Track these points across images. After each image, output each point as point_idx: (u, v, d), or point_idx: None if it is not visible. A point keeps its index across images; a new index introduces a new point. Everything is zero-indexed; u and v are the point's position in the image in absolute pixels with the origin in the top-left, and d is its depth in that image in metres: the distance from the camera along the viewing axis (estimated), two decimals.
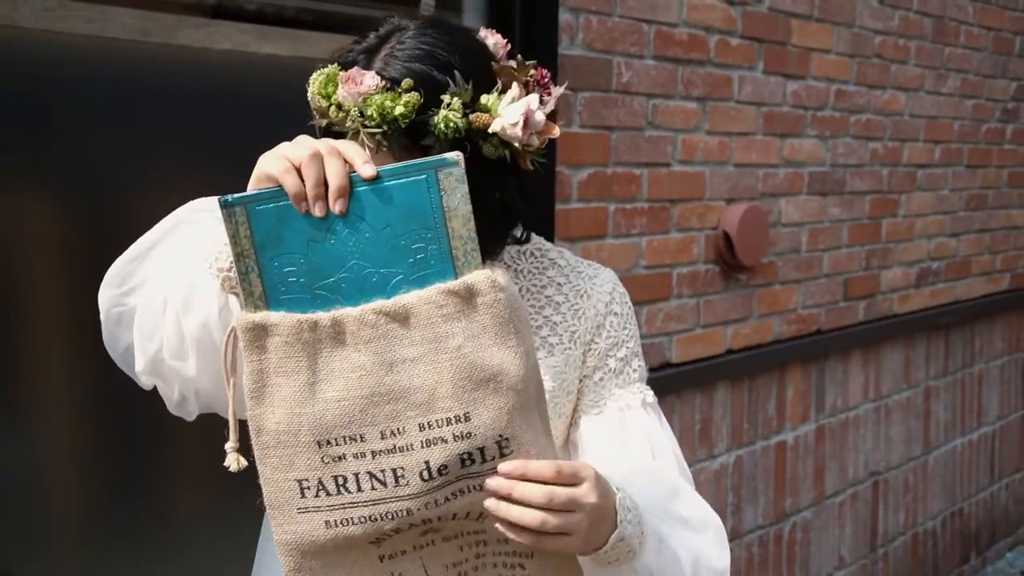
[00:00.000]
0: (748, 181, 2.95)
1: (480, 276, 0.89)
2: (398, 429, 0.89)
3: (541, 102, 1.05)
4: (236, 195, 0.91)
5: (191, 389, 1.10)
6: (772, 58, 2.98)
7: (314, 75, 1.04)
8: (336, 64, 1.04)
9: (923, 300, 3.80)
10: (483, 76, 1.03)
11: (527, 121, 1.03)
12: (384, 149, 0.99)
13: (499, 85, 1.03)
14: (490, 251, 1.07)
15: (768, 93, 2.99)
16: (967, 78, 3.87)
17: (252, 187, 0.93)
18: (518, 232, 1.14)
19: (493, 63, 1.05)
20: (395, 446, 0.89)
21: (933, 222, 3.81)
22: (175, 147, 1.78)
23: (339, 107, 1.01)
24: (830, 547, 3.43)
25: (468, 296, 0.89)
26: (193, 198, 1.14)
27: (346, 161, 0.91)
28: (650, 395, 1.19)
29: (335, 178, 0.90)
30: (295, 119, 1.95)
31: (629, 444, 1.14)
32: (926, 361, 3.90)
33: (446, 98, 0.99)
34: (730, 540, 2.72)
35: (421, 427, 0.89)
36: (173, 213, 1.13)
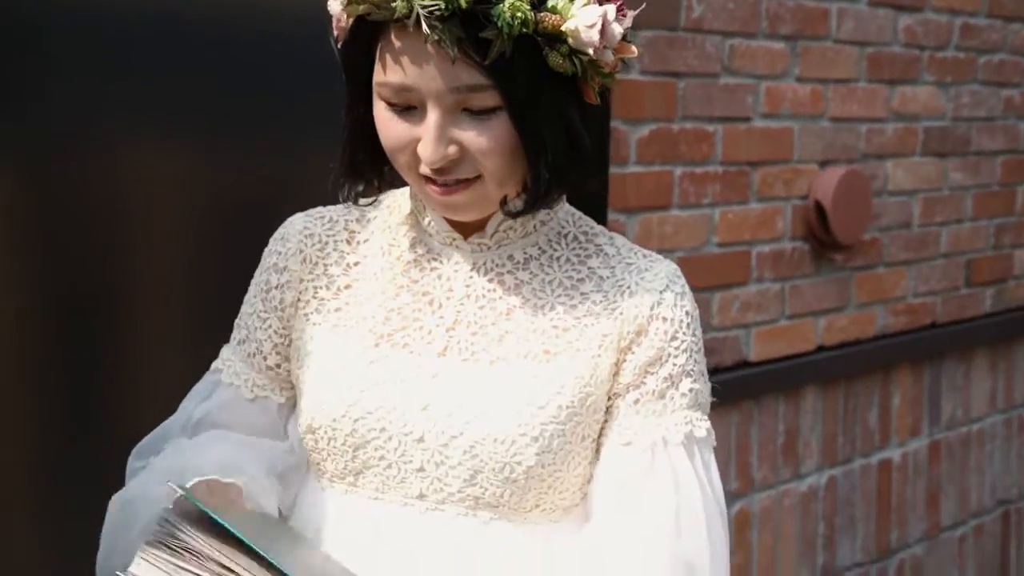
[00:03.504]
0: (847, 139, 2.95)
1: None
2: None
3: (617, 16, 1.10)
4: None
5: None
6: None
7: None
8: None
9: None
10: None
11: (603, 28, 1.07)
12: (436, 39, 1.03)
13: None
14: (549, 197, 1.13)
15: (874, 29, 2.98)
16: None
17: None
18: (574, 179, 1.16)
19: None
20: None
21: None
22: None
23: None
24: None
25: None
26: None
27: None
28: (701, 427, 1.16)
29: None
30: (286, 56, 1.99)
31: (644, 508, 1.12)
32: None
33: None
34: None
35: None
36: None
